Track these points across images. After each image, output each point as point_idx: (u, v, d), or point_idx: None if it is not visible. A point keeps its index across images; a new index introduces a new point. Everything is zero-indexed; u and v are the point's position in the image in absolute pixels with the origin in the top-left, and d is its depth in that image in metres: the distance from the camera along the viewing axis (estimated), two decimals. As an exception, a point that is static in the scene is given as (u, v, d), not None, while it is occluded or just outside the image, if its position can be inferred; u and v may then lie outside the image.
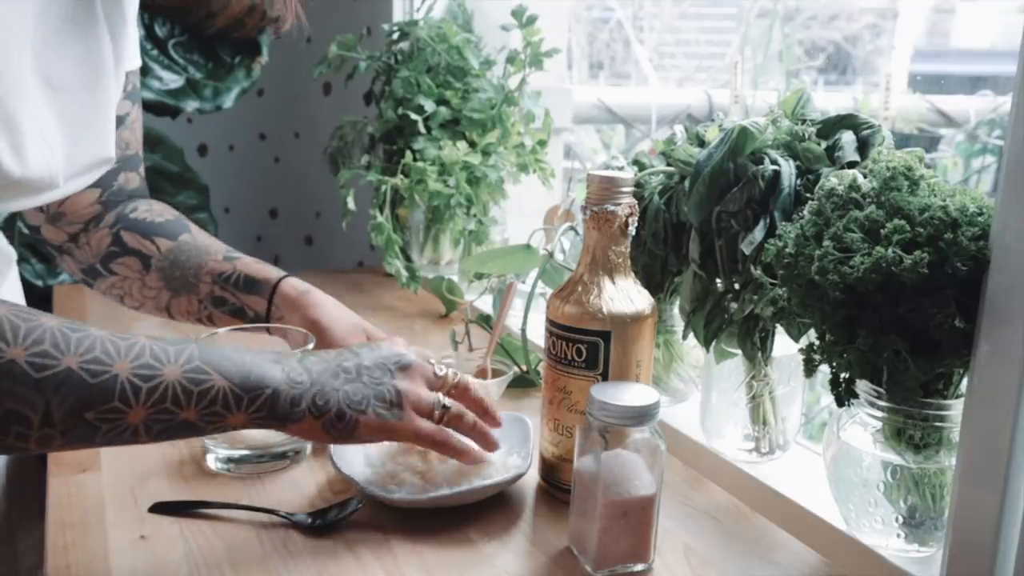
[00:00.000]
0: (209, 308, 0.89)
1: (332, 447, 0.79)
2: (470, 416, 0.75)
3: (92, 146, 0.77)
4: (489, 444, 0.77)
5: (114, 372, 0.59)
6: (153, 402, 0.60)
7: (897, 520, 0.67)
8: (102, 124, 0.78)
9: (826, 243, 0.64)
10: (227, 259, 0.90)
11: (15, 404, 0.56)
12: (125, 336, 0.61)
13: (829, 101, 2.20)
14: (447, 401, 0.74)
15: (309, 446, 0.86)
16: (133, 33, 0.85)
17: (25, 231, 0.94)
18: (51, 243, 0.91)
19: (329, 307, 0.88)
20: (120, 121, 0.87)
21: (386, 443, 0.83)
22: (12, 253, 0.89)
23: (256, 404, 0.64)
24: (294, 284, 0.89)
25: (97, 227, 0.89)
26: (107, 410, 0.59)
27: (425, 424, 0.72)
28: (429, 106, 1.34)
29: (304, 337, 0.83)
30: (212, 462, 0.83)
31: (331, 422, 0.68)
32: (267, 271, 0.90)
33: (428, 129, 1.34)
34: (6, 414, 0.56)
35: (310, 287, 0.90)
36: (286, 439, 0.83)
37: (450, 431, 0.74)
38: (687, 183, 0.79)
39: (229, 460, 0.82)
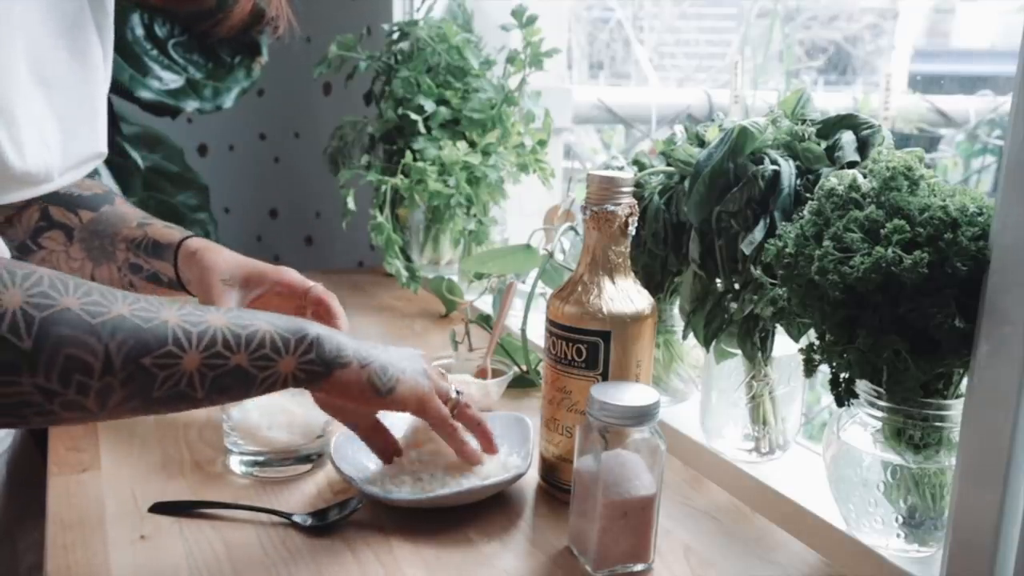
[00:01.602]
0: (128, 275, 0.89)
1: (332, 447, 0.79)
2: (477, 413, 0.78)
3: (85, 141, 0.78)
4: (491, 446, 0.79)
5: (163, 318, 0.59)
6: (205, 346, 0.60)
7: (897, 520, 0.67)
8: (94, 119, 0.80)
9: (826, 243, 0.64)
10: (139, 225, 0.90)
11: (76, 350, 0.55)
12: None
13: (829, 101, 2.20)
14: (457, 391, 0.76)
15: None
16: (112, 38, 0.86)
17: None
18: None
19: (216, 255, 0.87)
20: None
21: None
22: (5, 251, 0.90)
23: (303, 347, 0.64)
24: (191, 243, 0.88)
25: (28, 205, 0.90)
26: (163, 355, 0.58)
27: (445, 409, 0.74)
28: (429, 106, 1.34)
29: None
30: (236, 465, 0.83)
31: (375, 374, 0.68)
32: (171, 235, 0.89)
33: (428, 129, 1.34)
34: (67, 361, 0.54)
35: (208, 243, 0.88)
36: (310, 442, 0.83)
37: (459, 425, 0.76)
38: (687, 183, 0.79)
39: (254, 463, 0.82)
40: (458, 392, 0.76)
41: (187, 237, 0.88)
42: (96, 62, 0.79)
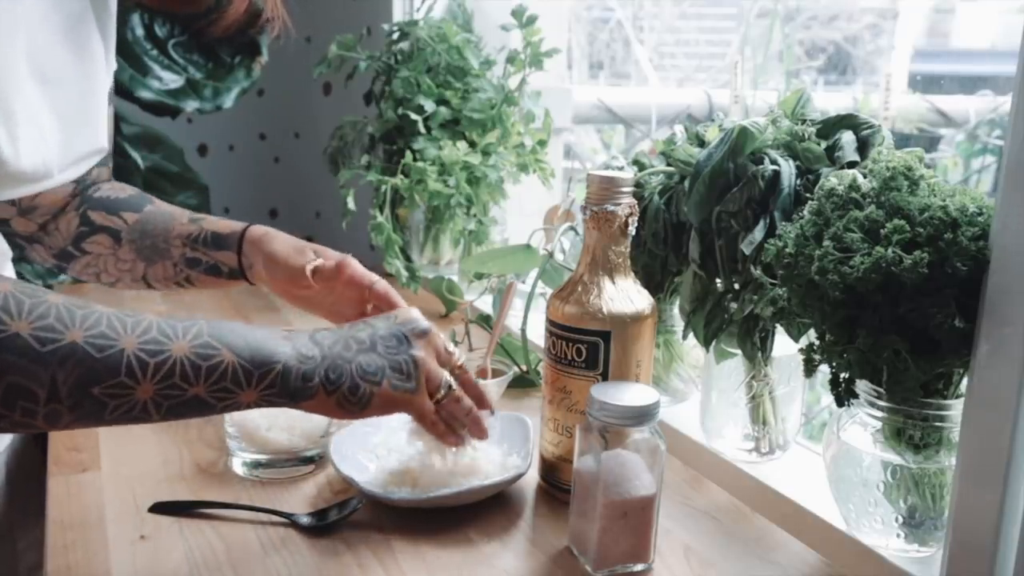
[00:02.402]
0: (185, 270, 0.89)
1: (332, 447, 0.80)
2: (468, 402, 0.75)
3: (86, 137, 0.79)
4: (481, 432, 0.76)
5: (120, 347, 0.58)
6: (161, 377, 0.59)
7: (897, 520, 0.67)
8: (94, 116, 0.80)
9: (826, 243, 0.64)
10: (192, 221, 0.90)
11: (20, 378, 0.55)
12: (132, 312, 0.60)
13: (829, 101, 2.19)
14: (453, 383, 0.73)
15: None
16: (114, 37, 0.86)
17: None
18: (20, 234, 0.92)
19: (280, 239, 0.88)
20: None
21: (387, 442, 0.84)
22: (7, 251, 0.90)
23: (267, 381, 0.63)
24: (256, 230, 0.89)
25: (64, 213, 0.90)
26: (114, 385, 0.57)
27: (429, 406, 0.71)
28: (429, 106, 1.34)
29: None
30: (238, 466, 0.83)
31: (344, 397, 0.66)
32: (232, 225, 0.90)
33: (428, 129, 1.34)
34: (10, 388, 0.55)
35: (268, 229, 0.89)
36: (312, 444, 0.83)
37: (459, 414, 0.74)
38: (687, 183, 0.79)
39: (256, 465, 0.82)
40: (452, 384, 0.73)
41: (250, 224, 0.89)
42: (97, 60, 0.79)
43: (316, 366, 0.65)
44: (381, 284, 0.85)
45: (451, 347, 0.74)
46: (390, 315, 0.73)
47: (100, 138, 0.81)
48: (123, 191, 0.93)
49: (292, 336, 0.67)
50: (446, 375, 0.72)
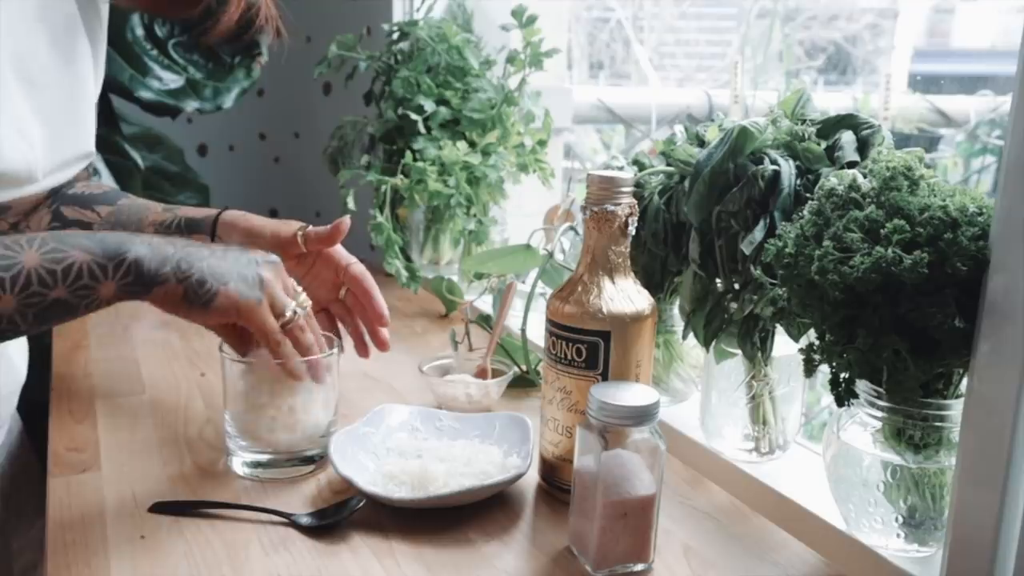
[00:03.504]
0: None
1: (332, 447, 0.79)
2: (310, 338, 0.78)
3: (72, 141, 0.79)
4: (317, 374, 0.79)
5: None
6: (20, 288, 0.63)
7: (897, 520, 0.67)
8: (82, 121, 0.80)
9: (826, 243, 0.64)
10: (167, 209, 0.92)
11: None
12: None
13: (829, 101, 2.20)
14: (298, 310, 0.76)
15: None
16: (104, 43, 0.87)
17: None
18: None
19: (258, 217, 0.92)
20: None
21: (387, 443, 0.84)
22: None
23: (121, 270, 0.67)
24: (232, 212, 0.91)
25: (36, 211, 0.91)
26: None
27: (272, 321, 0.74)
28: (429, 106, 1.34)
29: (331, 341, 0.84)
30: (238, 466, 0.83)
31: (192, 288, 0.70)
32: (207, 211, 0.92)
33: (428, 129, 1.34)
34: None
35: (245, 212, 0.92)
36: (312, 444, 0.83)
37: (288, 343, 0.76)
38: (687, 183, 0.79)
39: (256, 464, 0.82)
40: (297, 311, 0.76)
41: (223, 210, 0.91)
42: (85, 65, 0.79)
43: (169, 256, 0.69)
44: (357, 267, 0.86)
45: (298, 288, 0.78)
46: (245, 246, 0.77)
47: (87, 143, 0.82)
48: (98, 188, 0.94)
49: (149, 239, 0.70)
50: (290, 302, 0.76)
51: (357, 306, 0.92)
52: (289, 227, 0.89)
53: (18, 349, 0.94)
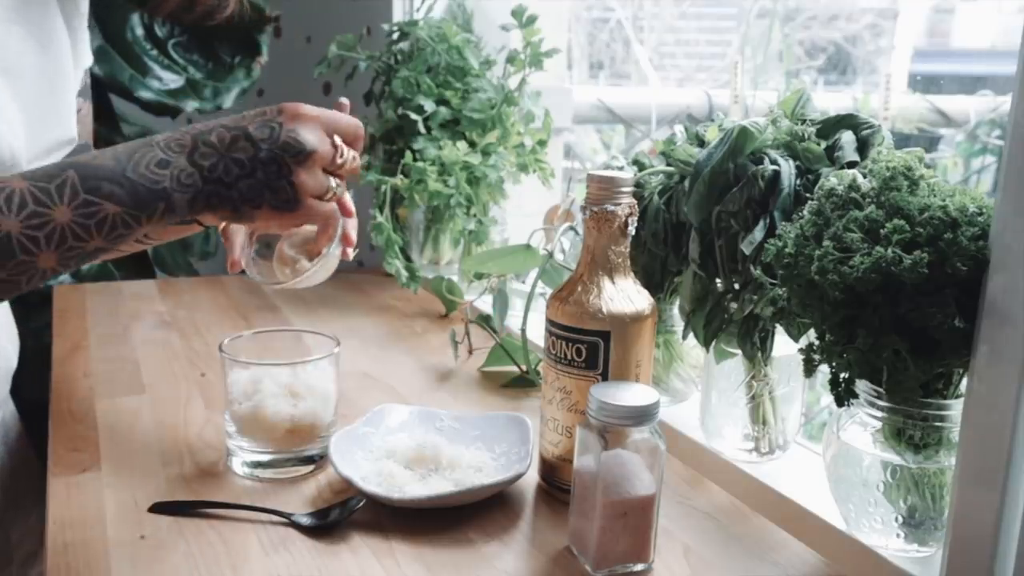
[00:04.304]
0: None
1: (332, 447, 0.79)
2: (350, 203, 0.77)
3: (53, 128, 0.79)
4: (349, 242, 0.78)
5: (4, 231, 0.61)
6: (56, 245, 0.63)
7: (897, 520, 0.67)
8: (61, 108, 0.81)
9: (826, 243, 0.64)
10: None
11: None
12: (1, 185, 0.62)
13: (829, 101, 2.20)
14: (341, 188, 0.74)
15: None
16: (86, 33, 0.87)
17: None
18: None
19: None
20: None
21: (387, 442, 0.84)
22: None
23: (155, 217, 0.66)
24: None
25: None
26: (16, 264, 0.61)
27: (320, 205, 0.72)
28: (429, 106, 1.34)
29: (334, 343, 0.84)
30: (238, 466, 0.83)
31: (227, 215, 0.69)
32: None
33: (428, 129, 1.34)
34: None
35: None
36: (313, 444, 0.83)
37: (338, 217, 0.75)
38: (687, 183, 0.79)
39: (256, 464, 0.82)
40: (335, 186, 0.73)
41: None
42: (61, 50, 0.80)
43: (198, 192, 0.67)
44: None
45: (342, 156, 0.73)
46: (273, 128, 0.69)
47: (69, 128, 0.82)
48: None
49: (172, 162, 0.67)
50: (331, 182, 0.73)
51: None
52: None
53: (7, 334, 0.94)
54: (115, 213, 0.64)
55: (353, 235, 0.78)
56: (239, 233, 0.80)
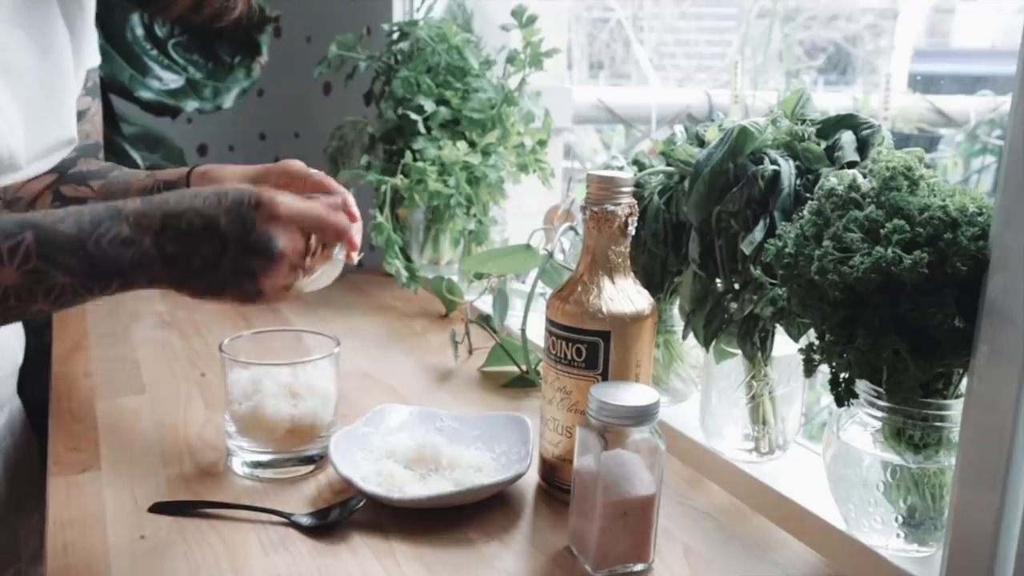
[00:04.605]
0: None
1: (332, 447, 0.79)
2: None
3: (52, 128, 0.80)
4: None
5: None
6: (0, 301, 0.60)
7: (897, 520, 0.67)
8: (61, 108, 0.81)
9: (826, 243, 0.64)
10: (148, 176, 0.91)
11: None
12: None
13: (829, 101, 2.20)
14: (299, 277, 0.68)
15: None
16: (92, 32, 0.87)
17: None
18: None
19: (227, 168, 0.87)
20: (81, 115, 0.91)
21: (387, 442, 0.84)
22: None
23: (108, 291, 0.63)
24: (199, 168, 0.89)
25: (41, 196, 0.92)
26: None
27: (281, 293, 0.67)
28: (429, 106, 1.34)
29: (334, 343, 0.84)
30: (238, 466, 0.83)
31: (188, 294, 0.65)
32: (180, 170, 0.90)
33: (428, 129, 1.34)
34: None
35: (215, 164, 0.89)
36: (313, 444, 0.83)
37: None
38: (687, 183, 0.79)
39: (256, 464, 0.82)
40: (304, 278, 0.69)
41: (194, 167, 0.90)
42: (62, 50, 0.80)
43: (157, 276, 0.64)
44: (317, 174, 0.82)
45: (310, 258, 0.69)
46: (247, 221, 0.64)
47: (68, 129, 0.82)
48: (95, 164, 0.94)
49: (135, 241, 0.62)
50: (298, 275, 0.68)
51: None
52: (253, 172, 0.85)
53: (15, 331, 0.95)
54: (66, 283, 0.61)
55: (358, 239, 0.74)
56: None
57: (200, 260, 0.63)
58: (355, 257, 0.75)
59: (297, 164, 0.84)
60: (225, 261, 0.63)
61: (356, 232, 0.74)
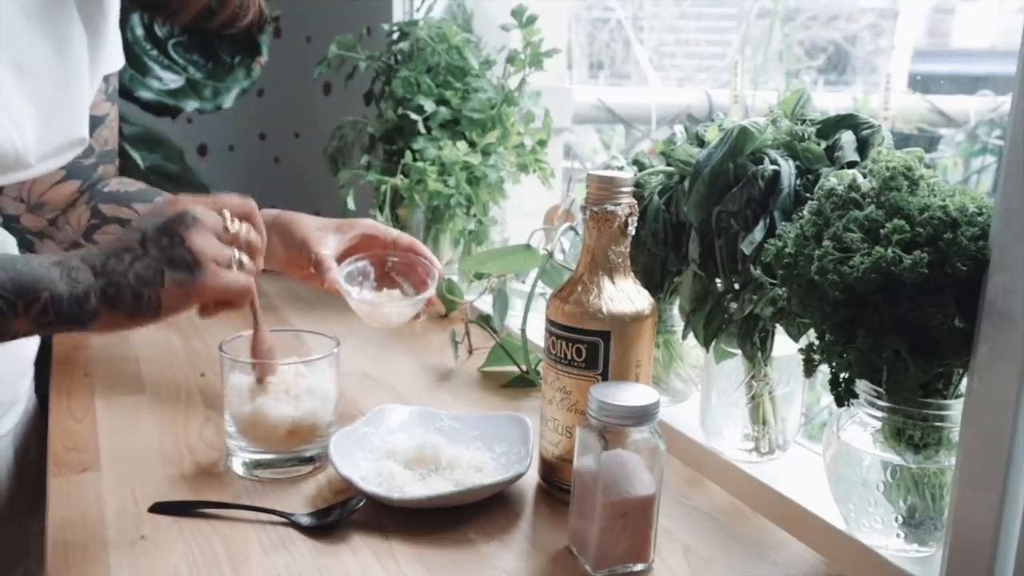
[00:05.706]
0: None
1: (332, 447, 0.79)
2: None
3: (64, 128, 0.80)
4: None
5: None
6: None
7: (897, 520, 0.67)
8: (74, 108, 0.81)
9: (826, 243, 0.64)
10: None
11: None
12: None
13: (829, 101, 2.20)
14: (244, 258, 0.71)
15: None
16: (115, 36, 0.87)
17: None
18: (30, 230, 0.93)
19: (299, 221, 0.94)
20: (101, 120, 0.91)
21: (387, 442, 0.84)
22: (14, 244, 0.91)
23: (36, 309, 0.62)
24: (270, 212, 0.93)
25: (74, 208, 0.91)
26: None
27: (232, 277, 0.69)
28: (429, 106, 1.34)
29: (335, 342, 0.84)
30: (238, 466, 0.83)
31: (131, 308, 0.65)
32: None
33: (428, 129, 1.34)
34: None
35: (284, 212, 0.95)
36: (313, 444, 0.83)
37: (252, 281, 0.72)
38: (687, 183, 0.79)
39: (256, 464, 0.82)
40: (242, 259, 0.71)
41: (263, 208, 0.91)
42: (78, 50, 0.80)
43: (90, 287, 0.63)
44: (405, 236, 0.90)
45: (231, 224, 0.70)
46: (157, 211, 0.68)
47: (80, 129, 0.82)
48: (132, 185, 0.95)
49: (62, 260, 0.64)
50: (233, 251, 0.70)
51: (410, 264, 0.96)
52: (317, 244, 0.91)
53: None
54: None
55: (433, 287, 0.87)
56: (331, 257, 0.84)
57: (127, 253, 0.65)
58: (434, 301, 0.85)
59: (378, 226, 0.93)
60: (149, 241, 0.65)
61: (432, 281, 0.85)
